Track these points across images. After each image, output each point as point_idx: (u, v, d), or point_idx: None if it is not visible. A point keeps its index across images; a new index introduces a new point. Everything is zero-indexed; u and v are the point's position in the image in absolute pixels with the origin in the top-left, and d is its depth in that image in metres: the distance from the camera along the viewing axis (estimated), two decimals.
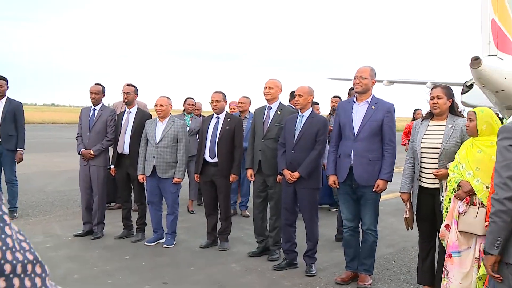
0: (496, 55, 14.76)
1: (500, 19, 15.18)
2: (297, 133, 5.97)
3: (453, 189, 4.67)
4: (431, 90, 5.24)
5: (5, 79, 7.72)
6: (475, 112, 4.65)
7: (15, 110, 8.35)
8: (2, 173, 8.49)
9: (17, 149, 8.39)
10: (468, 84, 16.27)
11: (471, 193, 4.51)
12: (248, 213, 8.87)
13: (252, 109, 8.97)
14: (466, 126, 4.67)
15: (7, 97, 8.33)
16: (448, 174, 4.85)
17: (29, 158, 9.10)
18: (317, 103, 9.06)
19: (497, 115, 5.08)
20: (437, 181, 5.01)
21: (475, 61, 13.70)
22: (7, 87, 7.72)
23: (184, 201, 9.20)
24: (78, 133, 7.55)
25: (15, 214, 8.48)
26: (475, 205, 4.56)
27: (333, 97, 9.37)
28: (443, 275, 4.76)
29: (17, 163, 8.52)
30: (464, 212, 4.52)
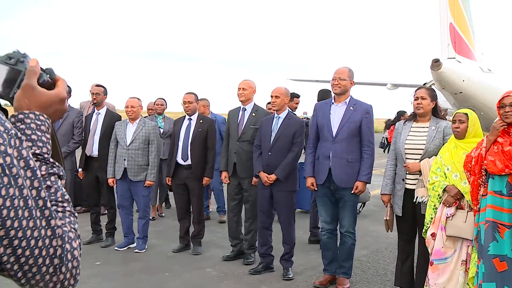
0: (454, 58, 14.97)
1: (457, 23, 15.40)
2: (273, 135, 5.75)
3: (438, 195, 4.54)
4: (415, 91, 5.12)
5: (103, 87, 7.13)
6: (466, 114, 4.55)
7: None
8: None
9: None
10: (427, 86, 16.42)
11: (459, 196, 4.42)
12: (224, 219, 8.51)
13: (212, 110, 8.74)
14: (456, 128, 4.56)
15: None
16: (418, 168, 4.80)
17: None
18: (298, 96, 8.74)
19: None
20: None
21: (436, 64, 13.84)
22: (106, 96, 7.12)
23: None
24: None
25: None
26: (463, 209, 4.46)
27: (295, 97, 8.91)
28: (425, 283, 4.64)
29: None
30: (452, 216, 4.40)
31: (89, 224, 7.17)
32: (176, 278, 5.69)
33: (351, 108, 5.34)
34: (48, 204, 1.02)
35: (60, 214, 1.08)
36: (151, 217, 8.33)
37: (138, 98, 6.83)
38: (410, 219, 5.00)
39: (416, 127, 5.02)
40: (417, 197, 4.83)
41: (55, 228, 1.01)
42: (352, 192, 5.28)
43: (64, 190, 1.15)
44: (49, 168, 1.12)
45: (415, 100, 4.97)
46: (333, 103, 5.45)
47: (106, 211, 7.14)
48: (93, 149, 6.89)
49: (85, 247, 6.82)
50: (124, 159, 6.57)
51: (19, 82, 1.18)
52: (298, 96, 8.69)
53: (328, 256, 5.60)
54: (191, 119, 6.66)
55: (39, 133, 1.13)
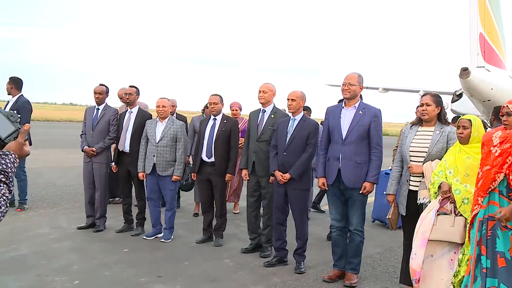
0: (483, 66, 14.69)
1: (487, 33, 15.12)
2: (288, 136, 5.81)
3: (435, 193, 4.56)
4: (421, 97, 5.10)
5: (136, 87, 7.35)
6: (470, 120, 4.54)
7: (19, 108, 8.27)
8: None
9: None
10: (457, 93, 16.21)
11: (449, 194, 4.42)
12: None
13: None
14: (460, 133, 4.56)
15: (18, 96, 8.35)
16: (421, 170, 4.80)
17: (44, 153, 9.00)
18: (309, 108, 8.78)
19: (484, 123, 4.98)
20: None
21: (464, 72, 13.65)
22: (138, 96, 7.36)
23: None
24: (82, 131, 7.41)
25: (25, 206, 8.42)
26: (448, 213, 4.46)
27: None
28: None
29: None
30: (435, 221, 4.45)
31: (122, 214, 7.39)
32: (195, 267, 5.81)
33: (360, 112, 5.36)
34: None
35: None
36: (194, 213, 8.50)
37: (168, 99, 6.99)
38: (414, 219, 4.97)
39: (422, 131, 5.01)
40: (419, 199, 4.83)
41: None
42: (360, 192, 5.30)
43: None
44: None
45: (420, 106, 4.97)
46: (343, 107, 5.47)
47: (137, 203, 7.31)
48: (125, 145, 7.08)
49: (116, 235, 7.07)
50: (153, 155, 6.74)
51: (14, 134, 2.00)
52: (309, 110, 8.68)
53: (338, 252, 5.62)
54: (215, 119, 6.77)
55: (9, 163, 1.92)
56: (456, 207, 4.44)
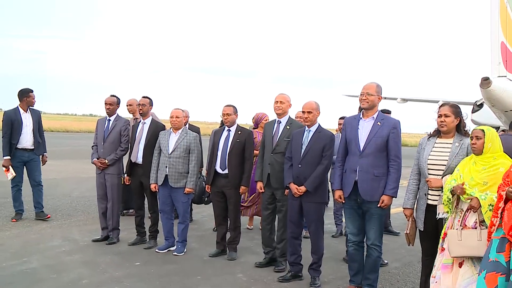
0: (505, 76, 14.37)
1: (510, 41, 14.80)
2: (304, 147, 5.65)
3: (448, 199, 4.36)
4: (439, 108, 4.87)
5: (149, 98, 7.23)
6: (483, 130, 4.36)
7: (38, 120, 8.58)
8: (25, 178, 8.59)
9: (44, 153, 8.75)
10: (478, 103, 15.87)
11: (462, 194, 4.28)
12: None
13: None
14: (473, 144, 4.38)
15: (30, 108, 8.49)
16: (440, 184, 4.63)
17: (61, 164, 8.96)
18: (389, 112, 8.08)
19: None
20: None
21: (485, 82, 13.32)
22: (151, 106, 7.25)
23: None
24: (94, 143, 7.35)
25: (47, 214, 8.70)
26: (470, 227, 4.28)
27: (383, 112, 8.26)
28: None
29: (43, 165, 8.80)
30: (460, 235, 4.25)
31: (134, 226, 7.26)
32: (206, 282, 5.65)
33: (378, 123, 5.17)
34: None
35: None
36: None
37: (182, 110, 6.88)
38: (433, 234, 4.78)
39: (440, 143, 4.81)
40: (439, 213, 4.63)
41: None
42: (378, 205, 5.11)
43: None
44: None
45: (438, 117, 4.78)
46: (361, 118, 5.29)
47: (150, 215, 7.19)
48: (138, 156, 6.97)
49: (129, 248, 6.95)
50: (166, 166, 6.62)
51: None
52: (389, 112, 8.25)
53: (354, 267, 5.43)
54: (230, 130, 6.63)
55: None
56: (480, 219, 4.23)
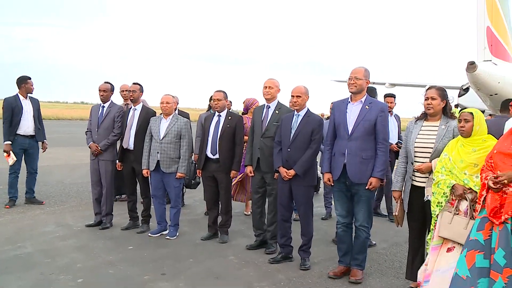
0: (490, 60, 14.47)
1: (495, 26, 14.88)
2: (293, 131, 5.66)
3: (444, 193, 4.37)
4: (426, 91, 4.90)
5: (139, 84, 7.21)
6: (471, 113, 4.38)
7: (37, 107, 8.64)
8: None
9: (44, 140, 8.79)
10: (464, 87, 16.00)
11: (463, 196, 4.26)
12: None
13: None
14: (462, 127, 4.40)
15: (29, 95, 8.53)
16: (430, 168, 4.64)
17: (54, 151, 8.91)
18: (394, 95, 8.25)
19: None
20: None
21: (471, 66, 13.43)
22: (142, 93, 7.23)
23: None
24: (88, 129, 7.33)
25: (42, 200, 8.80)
26: (462, 214, 4.31)
27: (387, 96, 8.29)
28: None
29: (43, 151, 8.87)
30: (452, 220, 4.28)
31: (127, 211, 7.28)
32: (198, 265, 5.68)
33: (366, 107, 5.19)
34: None
35: None
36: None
37: (172, 95, 6.86)
38: (419, 215, 4.83)
39: (427, 126, 4.83)
40: (427, 196, 4.66)
41: None
42: (366, 188, 5.14)
43: None
44: None
45: (425, 100, 4.80)
46: (349, 102, 5.30)
47: (142, 200, 7.19)
48: (129, 142, 6.94)
49: (122, 232, 6.97)
50: (157, 152, 6.62)
51: None
52: (393, 96, 8.31)
53: (343, 248, 5.48)
54: (220, 116, 6.63)
55: None
56: (471, 208, 4.25)
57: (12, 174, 8.41)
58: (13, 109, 8.21)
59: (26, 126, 8.35)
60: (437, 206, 4.43)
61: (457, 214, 4.32)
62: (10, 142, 8.19)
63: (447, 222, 4.33)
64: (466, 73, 13.63)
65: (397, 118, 8.06)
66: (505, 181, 3.74)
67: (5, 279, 5.07)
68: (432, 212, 4.50)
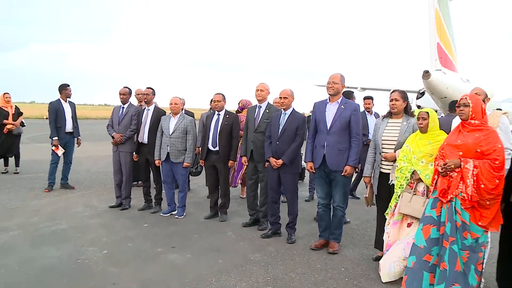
0: (441, 70, 14.46)
1: (443, 42, 14.92)
2: (281, 127, 5.53)
3: (405, 177, 4.33)
4: (391, 93, 4.84)
5: (152, 88, 7.05)
6: (427, 113, 4.34)
7: (74, 109, 8.58)
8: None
9: (79, 137, 8.75)
10: (421, 91, 15.94)
11: (419, 181, 4.23)
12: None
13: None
14: (420, 123, 4.35)
15: (68, 100, 8.42)
16: (394, 157, 4.59)
17: (82, 145, 8.90)
18: (371, 98, 7.98)
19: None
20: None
21: (426, 74, 13.38)
22: (154, 96, 7.09)
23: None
24: (108, 124, 7.21)
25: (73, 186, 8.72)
26: (420, 194, 4.28)
27: (366, 98, 8.02)
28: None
29: (78, 146, 8.83)
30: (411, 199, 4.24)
31: (142, 195, 7.14)
32: (202, 240, 5.55)
33: (342, 106, 5.08)
34: None
35: None
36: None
37: (179, 97, 6.71)
38: (385, 197, 4.74)
39: (391, 123, 4.78)
40: (391, 180, 4.59)
41: None
42: (342, 174, 5.03)
43: None
44: None
45: (390, 101, 4.76)
46: (328, 102, 5.18)
47: (155, 186, 7.04)
48: (144, 137, 6.79)
49: (138, 213, 6.84)
50: (167, 145, 6.46)
51: None
52: (371, 98, 8.05)
53: (323, 225, 5.37)
54: (219, 114, 6.47)
55: None
56: (427, 189, 4.22)
57: (53, 164, 8.31)
58: (56, 111, 8.15)
59: (67, 125, 8.30)
60: (399, 188, 4.40)
61: (415, 194, 4.29)
62: (57, 138, 8.15)
63: (407, 201, 4.31)
64: (422, 79, 13.57)
65: (377, 116, 7.89)
66: (452, 166, 3.76)
67: (47, 249, 5.04)
68: (395, 193, 4.45)
